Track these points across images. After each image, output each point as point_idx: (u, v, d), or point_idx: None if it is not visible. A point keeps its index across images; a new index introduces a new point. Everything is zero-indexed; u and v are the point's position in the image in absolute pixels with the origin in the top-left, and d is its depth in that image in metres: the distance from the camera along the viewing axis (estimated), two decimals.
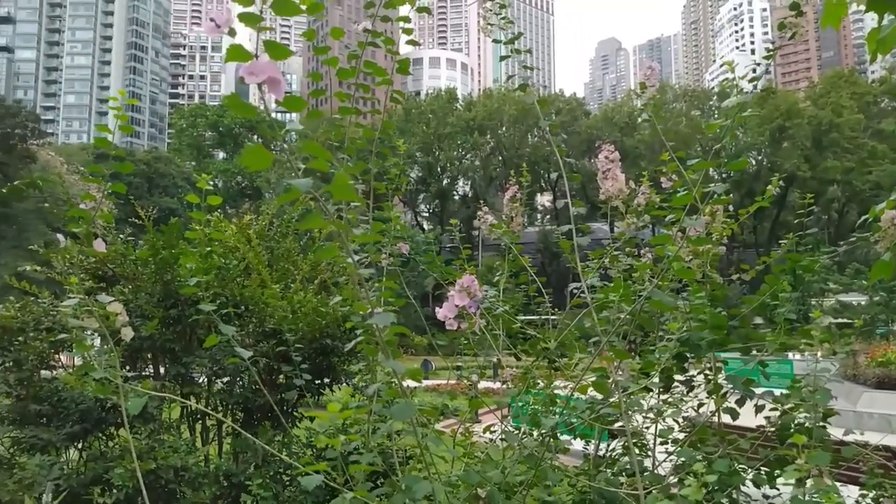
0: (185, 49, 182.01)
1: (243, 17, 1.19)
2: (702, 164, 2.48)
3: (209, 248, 3.75)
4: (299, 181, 1.26)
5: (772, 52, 3.34)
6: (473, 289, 2.06)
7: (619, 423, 3.39)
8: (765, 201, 4.04)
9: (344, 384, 4.38)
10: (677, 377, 3.28)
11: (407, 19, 2.92)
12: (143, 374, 4.07)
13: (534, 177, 66.48)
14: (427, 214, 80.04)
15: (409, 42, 3.06)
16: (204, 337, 4.30)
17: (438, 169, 74.33)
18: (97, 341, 4.23)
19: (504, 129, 73.23)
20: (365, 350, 3.09)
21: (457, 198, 78.60)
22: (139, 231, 4.50)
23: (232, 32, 1.20)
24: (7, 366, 3.74)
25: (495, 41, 3.70)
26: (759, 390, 3.25)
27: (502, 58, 3.68)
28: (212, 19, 1.17)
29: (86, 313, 2.35)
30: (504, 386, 3.87)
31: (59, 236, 2.11)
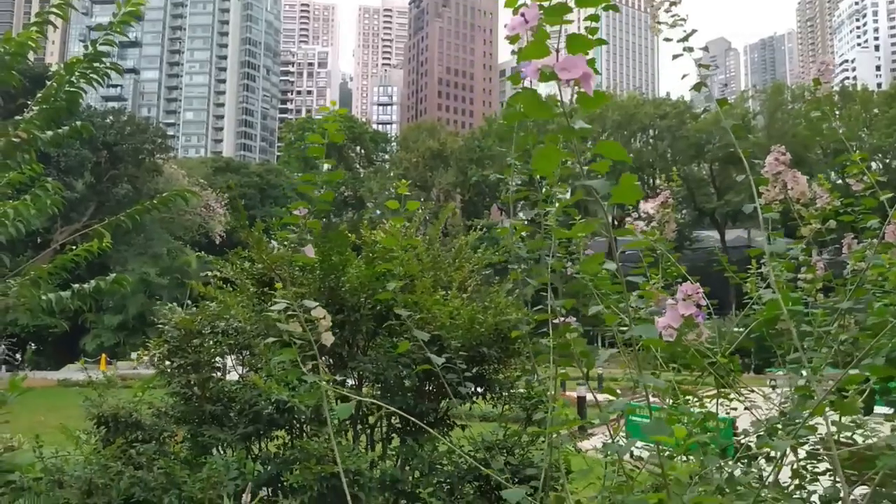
0: (293, 66, 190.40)
1: (550, 11, 1.14)
2: None
3: (375, 255, 3.83)
4: (597, 182, 1.20)
5: None
6: (699, 297, 1.95)
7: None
8: None
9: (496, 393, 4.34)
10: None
11: (596, 18, 2.83)
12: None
13: (640, 183, 64.61)
14: (526, 223, 79.40)
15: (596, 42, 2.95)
16: (362, 342, 4.39)
17: (538, 177, 73.60)
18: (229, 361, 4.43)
19: (606, 134, 71.77)
20: (539, 359, 3.02)
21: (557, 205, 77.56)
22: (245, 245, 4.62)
23: (542, 34, 1.14)
24: (185, 367, 3.93)
25: (666, 40, 3.55)
26: None
27: (674, 56, 3.52)
28: (522, 15, 1.12)
29: (290, 318, 2.40)
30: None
31: (273, 244, 2.15)
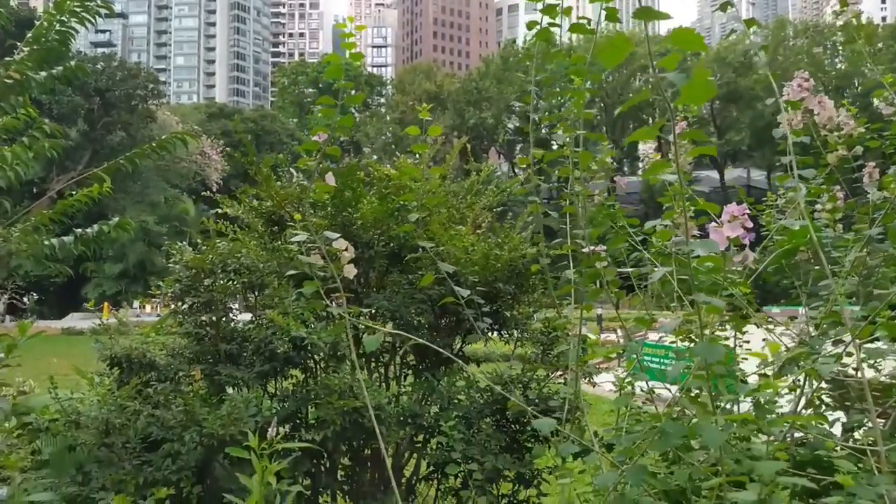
0: (284, 7, 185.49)
1: None
2: None
3: (388, 190, 3.74)
4: (673, 74, 1.11)
5: None
6: (745, 218, 1.87)
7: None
8: None
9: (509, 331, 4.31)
10: None
11: None
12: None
13: (639, 123, 63.96)
14: (524, 165, 78.62)
15: None
16: (374, 280, 4.33)
17: (536, 118, 72.60)
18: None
19: (605, 73, 70.50)
20: (562, 291, 2.97)
21: (555, 147, 76.98)
22: (252, 184, 4.52)
23: None
24: (198, 306, 3.88)
25: None
26: None
27: None
28: None
29: (311, 251, 2.32)
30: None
31: (292, 170, 2.05)
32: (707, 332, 3.53)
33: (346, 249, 2.33)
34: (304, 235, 2.27)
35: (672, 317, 3.89)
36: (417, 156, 4.64)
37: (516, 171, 74.79)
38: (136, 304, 41.76)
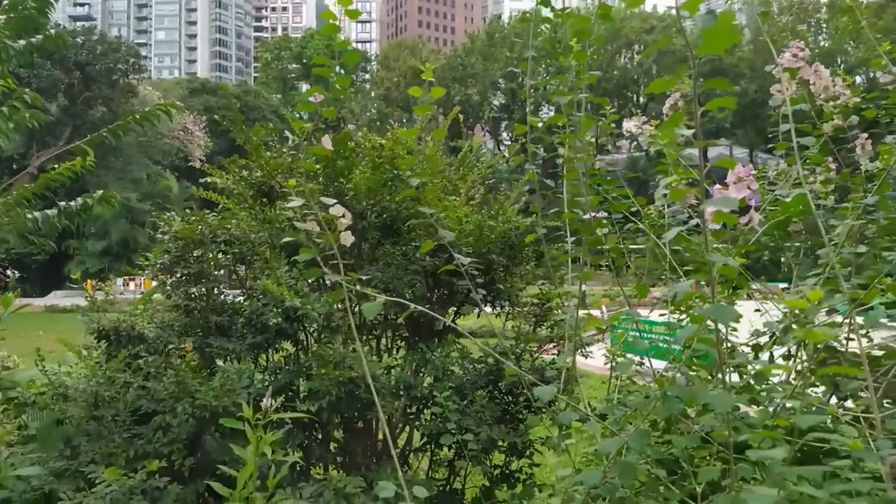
0: None
1: None
2: None
3: (381, 160, 3.67)
4: (699, 16, 1.07)
5: None
6: (751, 180, 1.84)
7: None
8: None
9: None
10: None
11: None
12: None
13: (623, 101, 63.85)
14: (510, 142, 78.50)
15: None
16: (367, 252, 4.28)
17: (522, 95, 72.10)
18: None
19: (591, 50, 70.09)
20: (560, 261, 2.96)
21: (541, 125, 76.71)
22: (241, 155, 4.44)
23: None
24: (187, 277, 3.82)
25: None
26: None
27: None
28: None
29: (308, 217, 2.27)
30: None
31: (287, 133, 1.99)
32: (701, 300, 3.53)
33: (343, 216, 2.28)
34: (299, 201, 2.21)
35: (664, 290, 3.87)
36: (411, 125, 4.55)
37: (501, 147, 74.50)
38: (119, 281, 41.44)
